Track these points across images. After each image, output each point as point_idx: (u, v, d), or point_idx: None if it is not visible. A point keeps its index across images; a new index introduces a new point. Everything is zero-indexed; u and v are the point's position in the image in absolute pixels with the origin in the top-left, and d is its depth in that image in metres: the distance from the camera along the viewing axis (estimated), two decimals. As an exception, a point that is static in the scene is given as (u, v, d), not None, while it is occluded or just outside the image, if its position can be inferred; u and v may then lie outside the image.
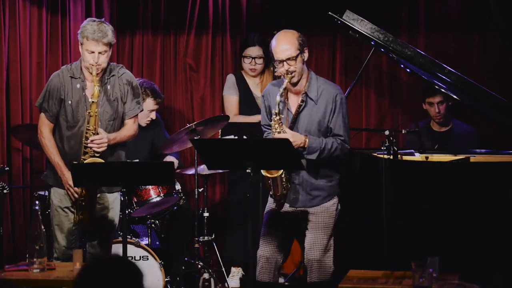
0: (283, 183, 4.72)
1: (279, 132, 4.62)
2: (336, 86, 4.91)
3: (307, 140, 4.67)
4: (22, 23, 6.36)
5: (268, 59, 6.13)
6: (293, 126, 4.72)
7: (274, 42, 4.76)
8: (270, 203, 4.88)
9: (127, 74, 4.98)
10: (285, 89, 4.73)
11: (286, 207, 4.80)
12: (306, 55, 4.77)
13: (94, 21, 4.84)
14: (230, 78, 6.34)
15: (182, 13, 6.68)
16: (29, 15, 6.38)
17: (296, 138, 4.64)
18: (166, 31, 6.72)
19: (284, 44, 4.70)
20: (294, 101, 4.78)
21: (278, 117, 4.63)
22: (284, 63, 4.68)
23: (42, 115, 4.93)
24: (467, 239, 4.97)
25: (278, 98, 4.63)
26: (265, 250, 4.86)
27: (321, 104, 4.75)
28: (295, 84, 4.73)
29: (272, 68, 6.26)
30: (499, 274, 4.93)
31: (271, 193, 4.77)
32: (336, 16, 5.48)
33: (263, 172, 4.69)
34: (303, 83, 4.77)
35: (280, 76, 4.79)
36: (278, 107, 4.64)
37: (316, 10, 6.35)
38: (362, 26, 5.45)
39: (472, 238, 4.96)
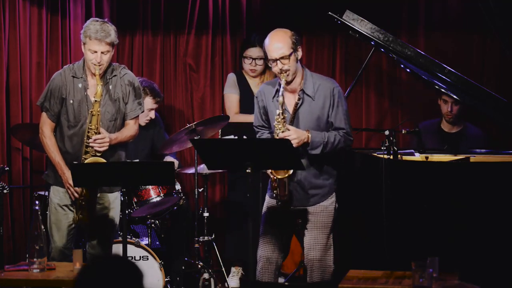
0: (289, 183, 4.72)
1: (283, 131, 4.62)
2: (332, 80, 4.91)
3: (309, 135, 4.67)
4: (22, 23, 6.36)
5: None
6: (292, 124, 4.72)
7: (267, 41, 4.75)
8: (268, 203, 4.88)
9: (129, 74, 4.99)
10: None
11: (284, 206, 4.79)
12: (300, 53, 4.76)
13: (97, 21, 4.85)
14: (231, 77, 6.34)
15: (182, 13, 6.68)
16: (29, 15, 6.38)
17: (300, 134, 4.64)
18: (166, 31, 6.72)
19: (277, 42, 4.69)
20: (290, 100, 4.76)
21: (282, 117, 4.63)
22: (278, 61, 4.67)
23: (44, 114, 4.93)
24: (467, 239, 4.97)
25: (281, 99, 4.63)
26: (265, 250, 4.85)
27: (319, 100, 4.75)
28: (289, 83, 4.72)
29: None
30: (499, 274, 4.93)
31: (275, 193, 4.74)
32: (336, 16, 5.48)
33: (270, 173, 4.68)
34: (298, 81, 4.77)
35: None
36: (282, 107, 4.64)
37: (316, 10, 6.36)
38: (362, 26, 5.45)
39: (472, 238, 4.96)
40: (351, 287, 3.93)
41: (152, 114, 6.11)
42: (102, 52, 4.77)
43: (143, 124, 6.09)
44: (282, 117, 4.62)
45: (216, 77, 6.72)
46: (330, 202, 4.83)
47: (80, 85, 4.87)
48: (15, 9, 6.35)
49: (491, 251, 4.95)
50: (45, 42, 6.43)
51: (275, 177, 4.66)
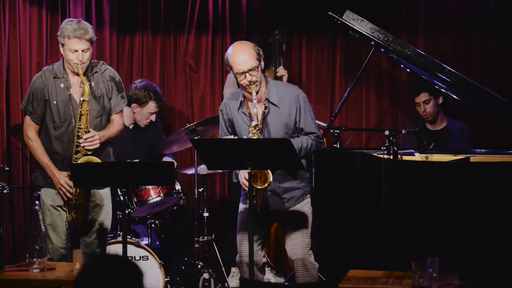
0: (266, 192, 4.74)
1: None
2: (295, 87, 4.95)
3: None
4: (22, 23, 6.37)
5: (268, 60, 6.12)
6: (261, 132, 4.73)
7: (231, 55, 4.75)
8: (242, 208, 4.88)
9: (109, 70, 4.99)
10: (246, 100, 4.76)
11: (262, 213, 4.78)
12: (263, 64, 4.80)
13: (72, 20, 4.86)
14: (230, 78, 6.33)
15: (182, 13, 6.68)
16: (29, 15, 6.39)
17: None
18: (166, 31, 6.72)
19: (244, 55, 4.71)
20: (257, 109, 4.77)
21: (257, 128, 4.64)
22: (247, 74, 4.69)
23: (27, 117, 4.93)
24: (467, 239, 4.97)
25: (255, 110, 4.64)
26: (243, 256, 4.85)
27: (284, 107, 4.78)
28: (256, 93, 4.74)
29: (273, 68, 6.26)
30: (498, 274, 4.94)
31: (250, 202, 4.60)
32: (336, 16, 5.48)
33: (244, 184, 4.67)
34: (262, 90, 4.80)
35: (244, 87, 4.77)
36: (257, 118, 4.65)
37: (316, 10, 6.36)
38: (362, 26, 5.45)
39: (472, 238, 4.96)
40: (351, 287, 3.93)
41: (153, 118, 6.11)
42: (82, 50, 4.76)
43: (142, 126, 6.09)
44: (257, 128, 4.63)
45: (216, 77, 6.72)
46: (304, 203, 4.87)
47: (62, 85, 4.86)
48: (15, 9, 6.36)
49: (491, 251, 4.95)
50: (45, 42, 6.43)
51: (256, 188, 4.65)
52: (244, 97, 4.79)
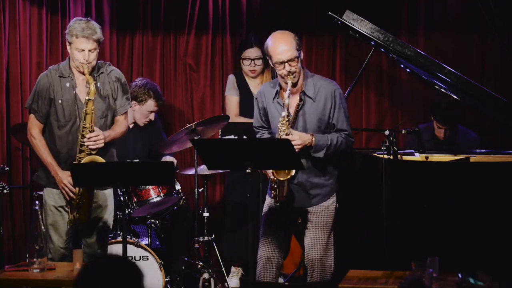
0: (289, 185, 4.72)
1: (287, 134, 4.62)
2: (332, 82, 4.92)
3: (313, 138, 4.68)
4: (22, 23, 6.36)
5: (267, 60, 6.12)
6: (293, 125, 4.72)
7: (271, 44, 4.74)
8: (268, 203, 4.87)
9: (115, 71, 4.99)
10: (282, 90, 4.74)
11: (284, 206, 4.79)
12: (302, 55, 4.78)
13: (81, 19, 4.86)
14: (231, 79, 6.34)
15: (182, 13, 6.68)
16: (29, 15, 6.38)
17: (304, 139, 4.65)
18: (166, 31, 6.72)
19: (284, 45, 4.69)
20: (291, 101, 4.76)
21: (286, 119, 4.63)
22: (286, 64, 4.67)
23: (32, 116, 4.92)
24: (467, 239, 4.97)
25: (287, 101, 4.63)
26: (266, 250, 4.85)
27: (319, 101, 4.76)
28: (295, 85, 4.72)
29: (270, 68, 6.26)
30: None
31: (273, 194, 4.74)
32: (336, 16, 5.48)
33: (271, 174, 4.68)
34: (299, 82, 4.77)
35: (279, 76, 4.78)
36: (288, 109, 4.64)
37: (316, 10, 6.36)
38: (362, 26, 5.45)
39: (472, 238, 4.96)
40: (351, 287, 3.93)
41: (152, 116, 6.11)
42: (89, 50, 4.77)
43: (141, 125, 6.09)
44: (286, 119, 4.62)
45: (216, 77, 6.72)
46: (330, 202, 4.83)
47: (68, 85, 4.86)
48: (15, 9, 6.35)
49: (491, 251, 4.95)
50: (45, 42, 6.43)
51: (275, 178, 4.65)
52: (281, 87, 4.76)
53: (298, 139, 4.61)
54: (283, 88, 4.75)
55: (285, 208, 4.76)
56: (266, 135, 4.88)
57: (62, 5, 6.47)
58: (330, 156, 4.74)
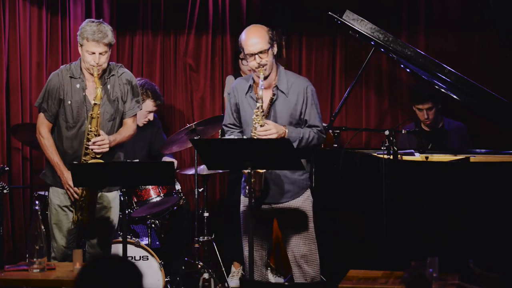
0: (264, 178, 4.73)
1: (261, 125, 4.63)
2: (305, 78, 4.96)
3: (286, 130, 4.71)
4: (22, 23, 6.37)
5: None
6: (265, 118, 4.73)
7: (243, 36, 4.78)
8: (243, 202, 4.87)
9: (126, 73, 4.98)
10: (255, 84, 4.75)
11: (259, 203, 4.79)
12: (275, 49, 4.79)
13: (93, 22, 4.84)
14: (229, 80, 6.34)
15: (182, 13, 6.69)
16: (29, 15, 6.39)
17: (278, 129, 4.67)
18: (166, 31, 6.72)
19: (255, 37, 4.73)
20: (265, 95, 4.77)
21: (261, 110, 4.65)
22: (256, 56, 4.70)
23: (41, 115, 4.92)
24: (467, 239, 4.97)
25: (260, 93, 4.64)
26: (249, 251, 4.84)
27: (292, 97, 4.79)
28: (265, 78, 4.74)
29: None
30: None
31: (248, 190, 4.60)
32: (336, 16, 5.48)
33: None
34: (272, 77, 4.80)
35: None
36: (262, 101, 4.65)
37: (316, 10, 6.36)
38: (362, 26, 5.45)
39: (472, 238, 4.96)
40: (351, 287, 3.93)
41: (151, 116, 6.11)
42: (100, 53, 4.76)
43: (140, 125, 6.09)
44: (261, 110, 4.64)
45: (216, 77, 6.72)
46: (305, 198, 4.85)
47: (78, 86, 4.86)
48: (15, 9, 6.36)
49: (491, 251, 4.95)
50: (45, 42, 6.44)
51: (256, 172, 4.64)
52: (254, 81, 4.79)
53: (274, 128, 4.63)
54: (256, 83, 4.77)
55: (259, 205, 4.77)
56: (236, 134, 4.87)
57: (62, 5, 6.48)
58: (302, 151, 4.75)
